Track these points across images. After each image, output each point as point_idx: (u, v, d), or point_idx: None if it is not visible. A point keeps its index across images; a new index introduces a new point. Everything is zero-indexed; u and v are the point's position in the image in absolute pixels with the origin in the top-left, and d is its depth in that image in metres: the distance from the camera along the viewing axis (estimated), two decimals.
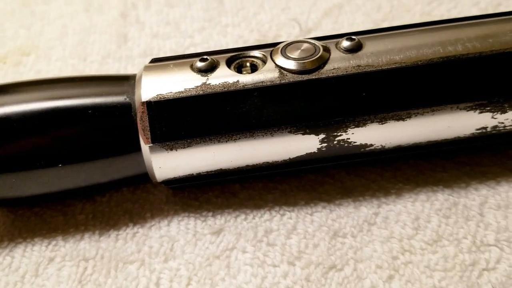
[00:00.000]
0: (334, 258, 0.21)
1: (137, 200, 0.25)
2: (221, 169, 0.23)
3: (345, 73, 0.22)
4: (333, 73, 0.22)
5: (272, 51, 0.23)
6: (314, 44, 0.23)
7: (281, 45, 0.23)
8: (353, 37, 0.23)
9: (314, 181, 0.25)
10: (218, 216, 0.23)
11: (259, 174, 0.24)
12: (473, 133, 0.23)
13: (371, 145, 0.23)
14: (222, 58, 0.23)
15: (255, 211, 0.24)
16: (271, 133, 0.22)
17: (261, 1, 0.37)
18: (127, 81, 0.23)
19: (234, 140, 0.22)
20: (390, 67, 0.22)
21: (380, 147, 0.23)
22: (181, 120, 0.21)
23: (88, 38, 0.35)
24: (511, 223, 0.22)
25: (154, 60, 0.24)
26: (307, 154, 0.23)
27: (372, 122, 0.22)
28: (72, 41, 0.35)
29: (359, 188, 0.24)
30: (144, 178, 0.23)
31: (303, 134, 0.22)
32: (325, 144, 0.22)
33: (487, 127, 0.23)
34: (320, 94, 0.22)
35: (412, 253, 0.21)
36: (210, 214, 0.24)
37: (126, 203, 0.24)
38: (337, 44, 0.23)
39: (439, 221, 0.22)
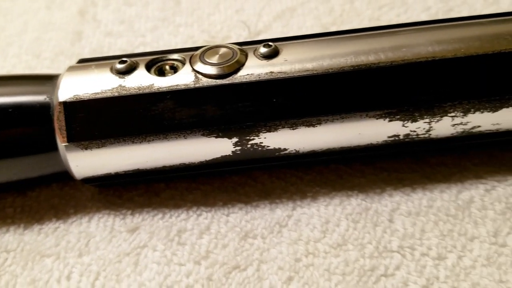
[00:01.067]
0: (240, 259, 0.22)
1: (64, 196, 0.25)
2: (138, 169, 0.23)
3: (257, 79, 0.22)
4: (246, 79, 0.22)
5: (192, 55, 0.23)
6: (233, 50, 0.23)
7: (201, 49, 0.23)
8: (270, 43, 0.23)
9: (237, 182, 0.25)
10: (137, 215, 0.24)
11: (179, 175, 0.24)
12: (385, 141, 0.23)
13: (285, 149, 0.23)
14: (143, 60, 0.23)
15: (173, 210, 0.24)
16: (184, 136, 0.22)
17: (217, 2, 0.37)
18: (50, 81, 0.23)
19: (148, 141, 0.22)
20: (301, 74, 0.22)
21: (294, 151, 0.23)
22: (96, 120, 0.22)
23: (46, 35, 0.36)
24: (418, 230, 0.23)
25: (81, 61, 0.25)
26: (222, 156, 0.23)
27: (283, 127, 0.22)
28: (30, 37, 0.36)
29: (278, 190, 0.25)
30: (68, 175, 0.24)
31: (216, 137, 0.22)
32: (239, 148, 0.23)
33: (399, 135, 0.23)
34: (232, 99, 0.22)
35: (315, 256, 0.22)
36: (130, 212, 0.24)
37: (54, 199, 0.25)
38: (255, 50, 0.23)
39: (348, 226, 0.23)
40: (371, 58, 0.22)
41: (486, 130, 0.23)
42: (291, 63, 0.22)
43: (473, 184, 0.24)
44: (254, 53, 0.23)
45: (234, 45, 0.24)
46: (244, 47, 0.24)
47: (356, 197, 0.24)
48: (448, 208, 0.23)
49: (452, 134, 0.23)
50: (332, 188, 0.25)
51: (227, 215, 0.24)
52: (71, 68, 0.24)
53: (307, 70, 0.22)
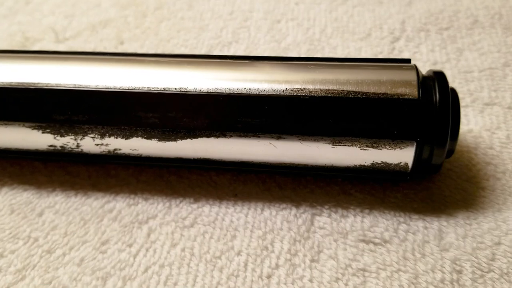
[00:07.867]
0: None
1: None
2: None
3: None
4: None
5: None
6: None
7: None
8: None
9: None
10: None
11: None
12: (47, 149, 0.28)
13: None
14: None
15: None
16: None
17: (59, 5, 0.42)
18: None
19: None
20: None
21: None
22: None
23: None
24: (52, 226, 0.27)
25: None
26: None
27: None
28: None
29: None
30: None
31: None
32: None
33: (56, 145, 0.27)
34: None
35: None
36: None
37: None
38: None
39: (4, 212, 0.28)
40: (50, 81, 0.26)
41: (129, 153, 0.27)
42: None
43: (127, 198, 0.28)
44: None
45: None
46: None
47: (30, 192, 0.29)
48: (86, 213, 0.27)
49: (101, 152, 0.27)
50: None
51: None
52: None
53: None
